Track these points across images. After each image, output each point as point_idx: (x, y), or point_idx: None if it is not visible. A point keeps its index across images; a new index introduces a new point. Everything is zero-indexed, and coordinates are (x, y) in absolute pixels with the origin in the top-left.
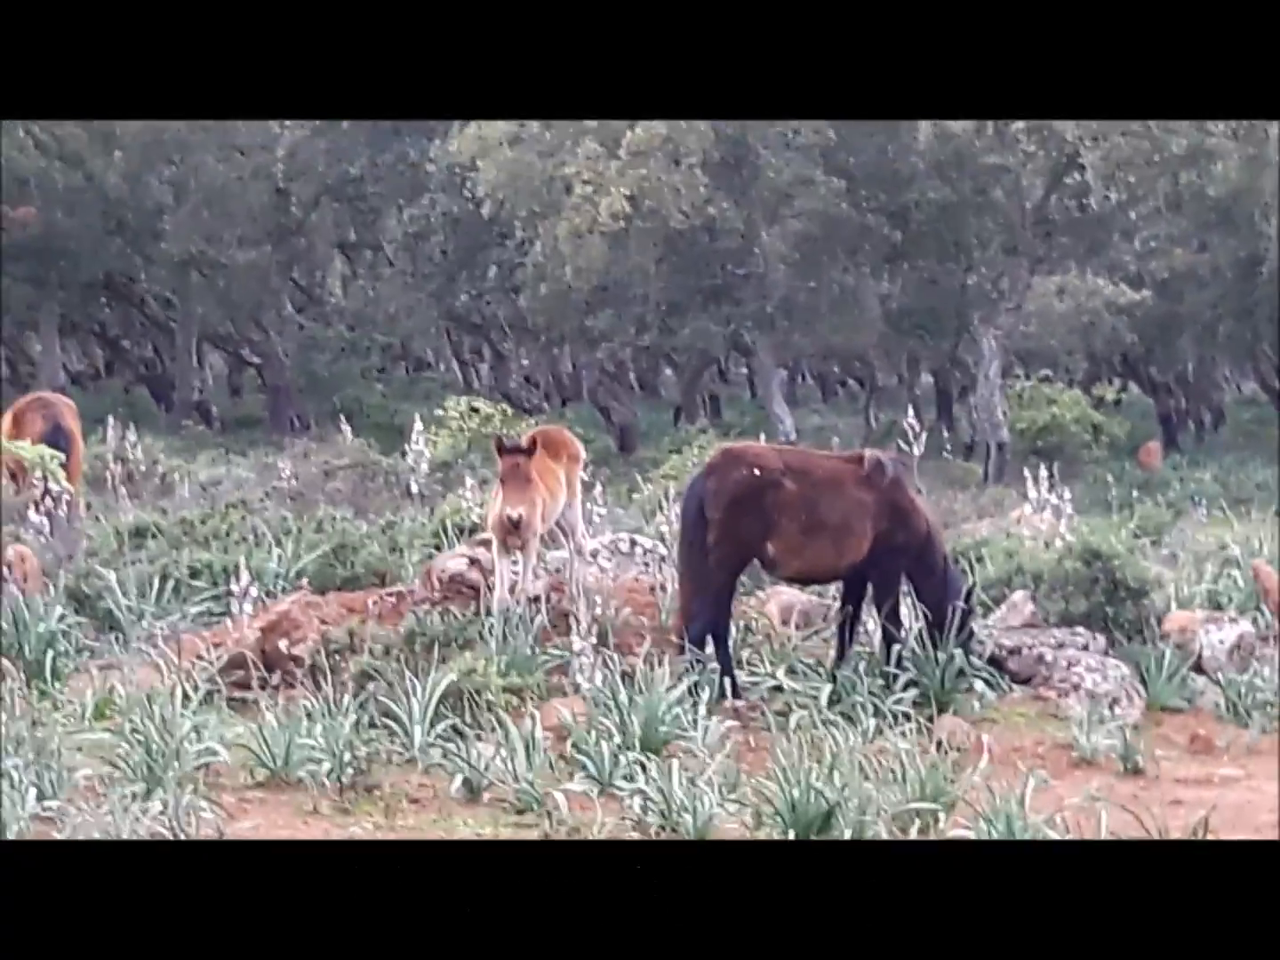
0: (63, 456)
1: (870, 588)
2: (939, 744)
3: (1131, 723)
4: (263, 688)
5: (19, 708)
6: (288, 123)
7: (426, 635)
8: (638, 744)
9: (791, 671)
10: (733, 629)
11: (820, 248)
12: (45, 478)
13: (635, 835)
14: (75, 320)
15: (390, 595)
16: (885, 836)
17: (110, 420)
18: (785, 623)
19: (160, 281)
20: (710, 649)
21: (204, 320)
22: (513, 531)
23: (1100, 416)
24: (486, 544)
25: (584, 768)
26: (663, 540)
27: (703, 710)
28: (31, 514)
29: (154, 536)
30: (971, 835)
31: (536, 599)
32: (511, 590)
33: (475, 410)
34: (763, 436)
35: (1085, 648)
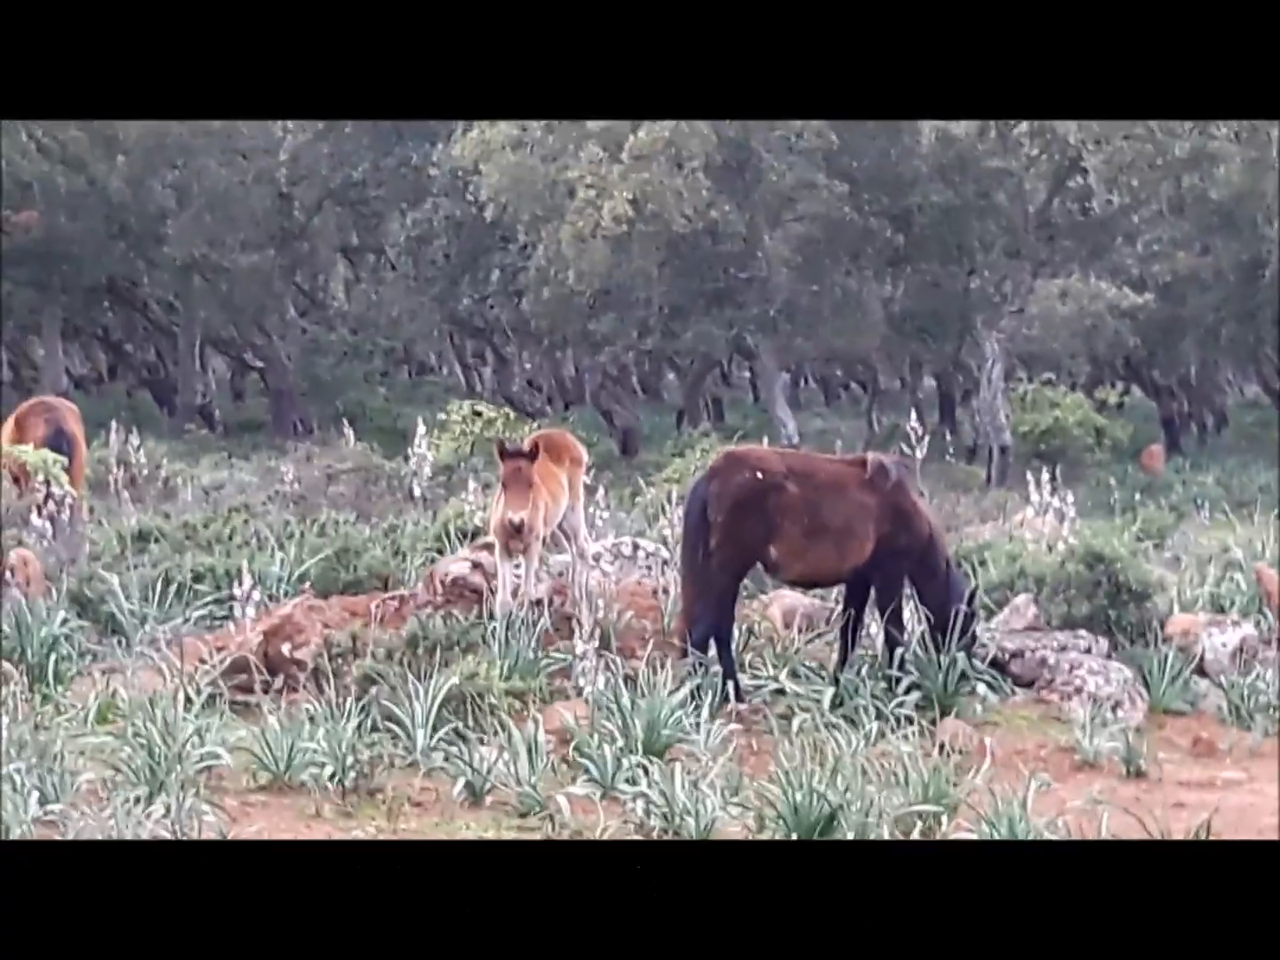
0: (65, 460)
1: (873, 591)
2: (941, 747)
3: (1134, 726)
4: (265, 691)
5: (21, 711)
6: (290, 126)
7: (429, 639)
8: (640, 747)
9: (794, 675)
10: (735, 632)
11: (823, 251)
12: (48, 482)
13: (638, 838)
14: (78, 324)
15: (393, 599)
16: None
17: (113, 424)
18: (788, 626)
19: (163, 285)
20: (713, 652)
21: (207, 324)
22: (515, 535)
23: (1103, 420)
24: (489, 548)
25: (586, 771)
26: (665, 544)
27: (705, 713)
28: (34, 518)
29: (156, 540)
30: (974, 838)
31: (539, 602)
32: (514, 594)
33: (478, 414)
34: (765, 440)
35: (1088, 651)
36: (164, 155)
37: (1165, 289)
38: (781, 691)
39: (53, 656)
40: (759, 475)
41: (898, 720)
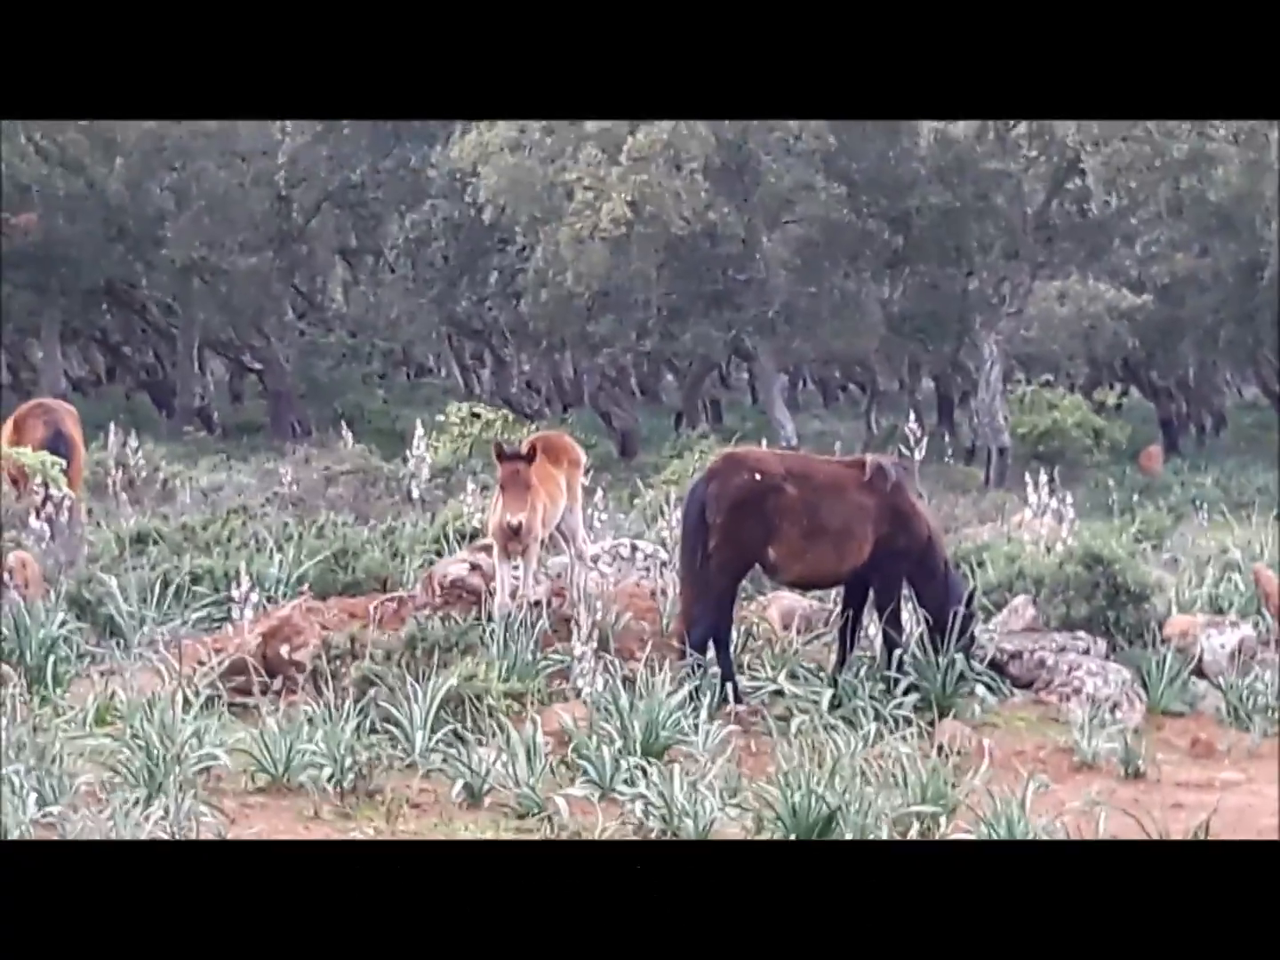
0: (64, 462)
1: (871, 592)
2: (940, 748)
3: (1132, 727)
4: (264, 693)
5: (20, 713)
6: (289, 129)
7: (427, 640)
8: (639, 749)
9: (793, 676)
10: (734, 634)
11: (821, 253)
12: (46, 484)
13: (636, 839)
14: (76, 326)
15: (391, 600)
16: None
17: (111, 426)
18: (786, 627)
19: (161, 288)
20: (711, 654)
21: (205, 326)
22: (513, 537)
23: (1101, 421)
24: (487, 549)
25: (585, 772)
26: (664, 545)
27: (704, 715)
28: (33, 520)
29: (155, 542)
30: (972, 839)
31: (537, 604)
32: (512, 595)
33: (476, 415)
34: (764, 441)
35: (1086, 652)
36: (162, 158)
37: (1164, 290)
38: (780, 693)
39: (51, 658)
40: (757, 477)
41: (896, 721)
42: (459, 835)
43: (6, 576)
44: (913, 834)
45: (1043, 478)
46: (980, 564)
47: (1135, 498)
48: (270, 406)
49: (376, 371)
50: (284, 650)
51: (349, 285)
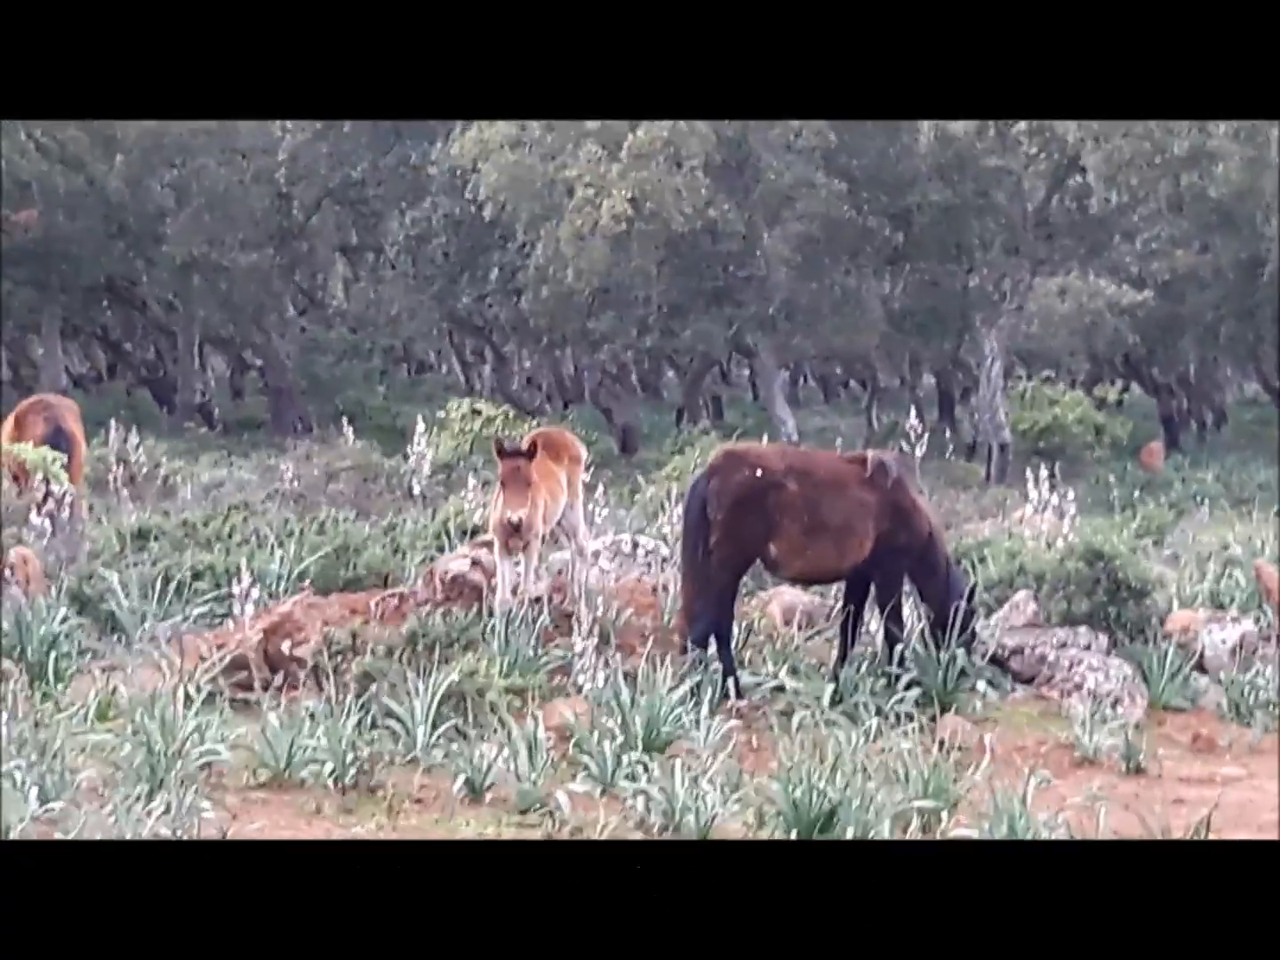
0: (65, 459)
1: (873, 588)
2: (941, 744)
3: (1134, 722)
4: (265, 689)
5: (21, 709)
6: (289, 126)
7: (428, 636)
8: (640, 744)
9: (794, 672)
10: (735, 629)
11: (822, 250)
12: (47, 480)
13: (638, 835)
14: (77, 323)
15: (392, 596)
16: (888, 836)
17: (112, 423)
18: (788, 623)
19: (162, 284)
20: (713, 649)
21: (206, 323)
22: (514, 534)
23: (1102, 417)
24: (489, 545)
25: (586, 768)
26: (665, 541)
27: (705, 710)
28: (33, 516)
29: (156, 538)
30: (974, 835)
31: (538, 600)
32: (513, 591)
33: (477, 412)
34: (765, 438)
35: (1088, 647)
36: (163, 155)
37: (1164, 287)
38: (781, 688)
39: (52, 654)
40: (758, 473)
41: (897, 717)
42: (460, 831)
43: (8, 572)
44: (913, 829)
45: (1043, 474)
46: (981, 560)
47: (1136, 493)
48: (271, 403)
49: (377, 368)
50: (285, 646)
51: (350, 282)
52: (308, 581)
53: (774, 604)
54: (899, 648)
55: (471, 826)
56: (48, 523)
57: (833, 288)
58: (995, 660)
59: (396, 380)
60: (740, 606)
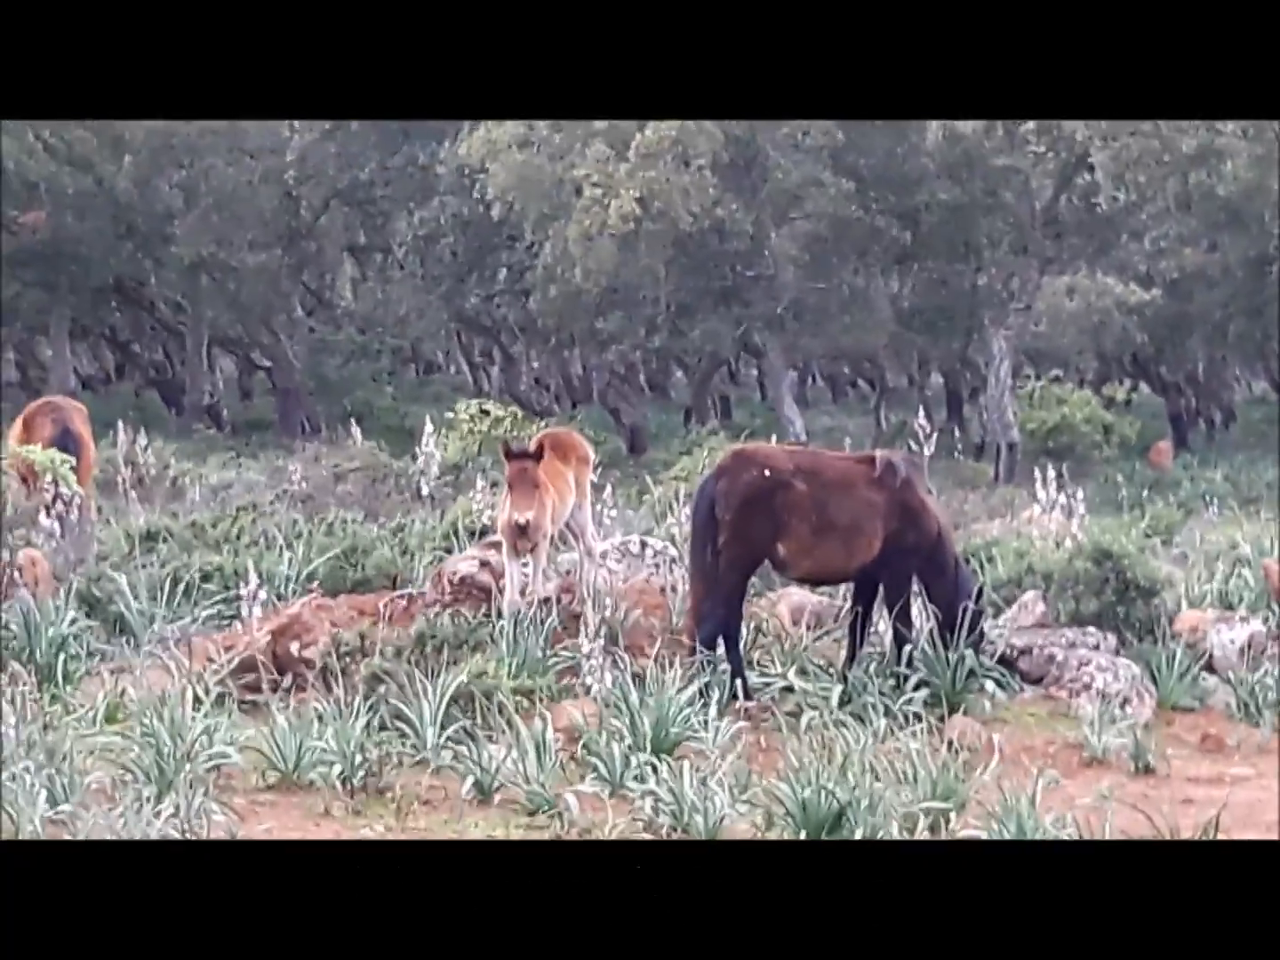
0: (73, 460)
1: (881, 588)
2: (950, 744)
3: (1142, 722)
4: (274, 690)
5: (30, 711)
6: (297, 126)
7: (437, 637)
8: (648, 745)
9: (802, 672)
10: (743, 630)
11: (830, 249)
12: (56, 482)
13: (646, 836)
14: (85, 324)
15: (401, 598)
16: (896, 837)
17: (121, 424)
18: (796, 623)
19: (170, 285)
20: (721, 650)
21: (214, 324)
22: (521, 535)
23: (1110, 416)
24: (497, 546)
25: (595, 769)
26: (673, 542)
27: (713, 711)
28: (42, 518)
29: (165, 540)
30: (982, 835)
31: (547, 601)
32: (522, 592)
33: (485, 412)
34: (773, 438)
35: (1096, 647)
36: (171, 155)
37: (1172, 285)
38: (790, 689)
39: (61, 656)
40: (767, 473)
41: (906, 717)
42: (469, 832)
43: (16, 575)
44: (922, 829)
45: (1052, 473)
46: (990, 559)
47: (1145, 493)
48: (279, 404)
49: (385, 368)
50: (294, 648)
51: (358, 282)
52: (316, 583)
53: (782, 604)
54: (907, 648)
55: (480, 828)
56: (56, 524)
57: (841, 287)
58: (1004, 660)
59: (405, 381)
60: (748, 607)
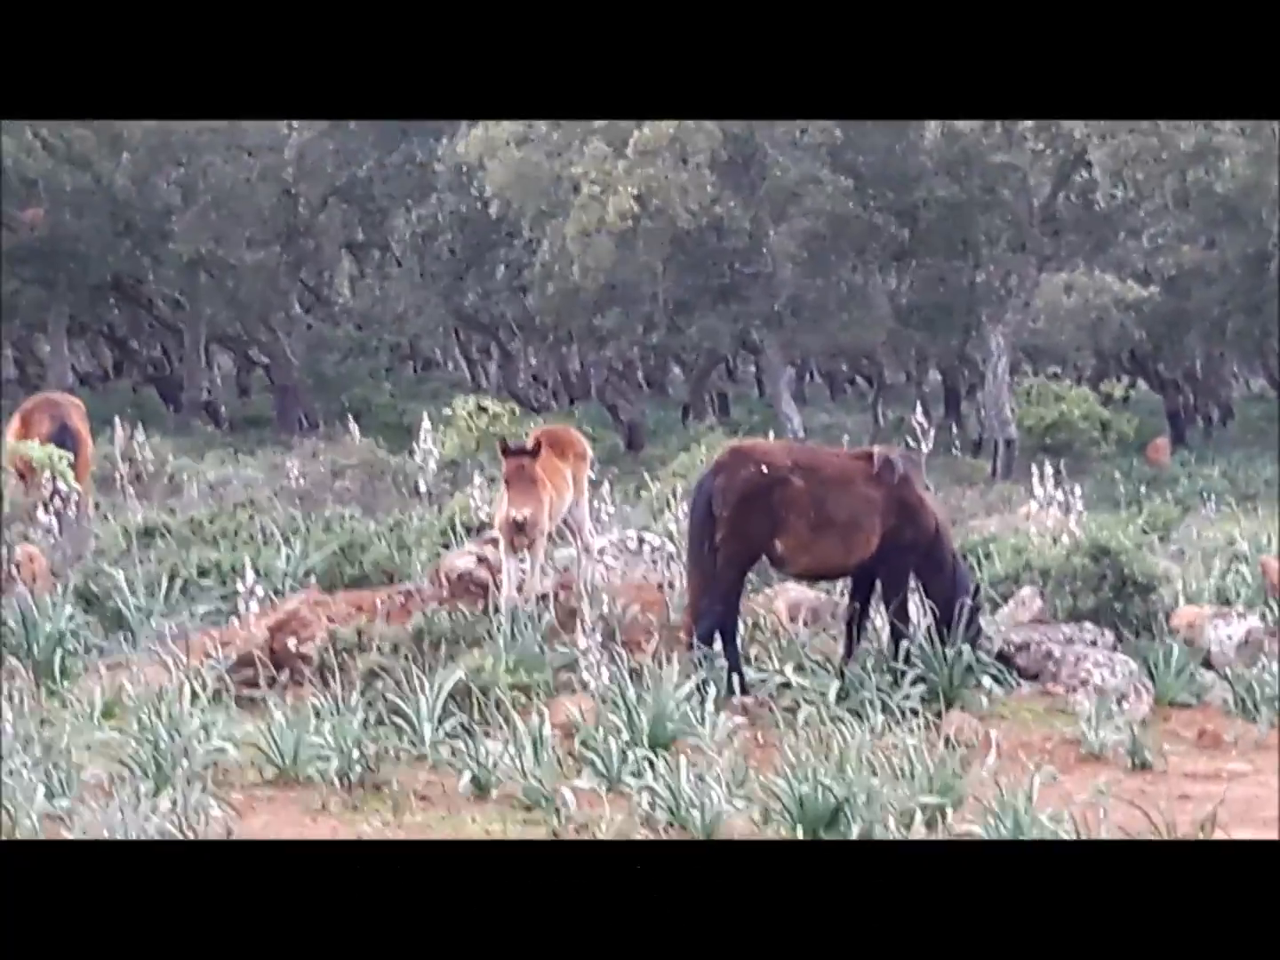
0: (71, 457)
1: (879, 584)
2: (947, 740)
3: (1139, 718)
4: (271, 686)
5: (28, 707)
6: (296, 124)
7: (435, 633)
8: (646, 741)
9: (800, 668)
10: (741, 626)
11: (828, 246)
12: (53, 478)
13: (644, 832)
14: (83, 321)
15: (398, 594)
16: (893, 832)
17: (118, 421)
18: (793, 619)
19: (168, 282)
20: (718, 646)
21: (212, 321)
22: (519, 532)
23: (1108, 413)
24: (494, 542)
25: (592, 765)
26: (671, 538)
27: (711, 707)
28: (40, 514)
29: (162, 536)
30: (979, 830)
31: (544, 597)
32: (519, 588)
33: (483, 409)
34: (771, 434)
35: (1093, 643)
36: (169, 152)
37: (1170, 282)
38: (787, 685)
39: (59, 652)
40: (764, 469)
41: (903, 713)
42: (466, 828)
43: (14, 570)
44: (918, 825)
45: (1049, 470)
46: (987, 556)
47: (1142, 489)
48: (277, 400)
49: (383, 365)
50: (291, 643)
51: (356, 279)
52: (314, 579)
53: (780, 600)
54: (905, 644)
55: (477, 823)
56: (54, 520)
57: (839, 284)
58: (1001, 656)
59: (402, 377)
60: (746, 603)
